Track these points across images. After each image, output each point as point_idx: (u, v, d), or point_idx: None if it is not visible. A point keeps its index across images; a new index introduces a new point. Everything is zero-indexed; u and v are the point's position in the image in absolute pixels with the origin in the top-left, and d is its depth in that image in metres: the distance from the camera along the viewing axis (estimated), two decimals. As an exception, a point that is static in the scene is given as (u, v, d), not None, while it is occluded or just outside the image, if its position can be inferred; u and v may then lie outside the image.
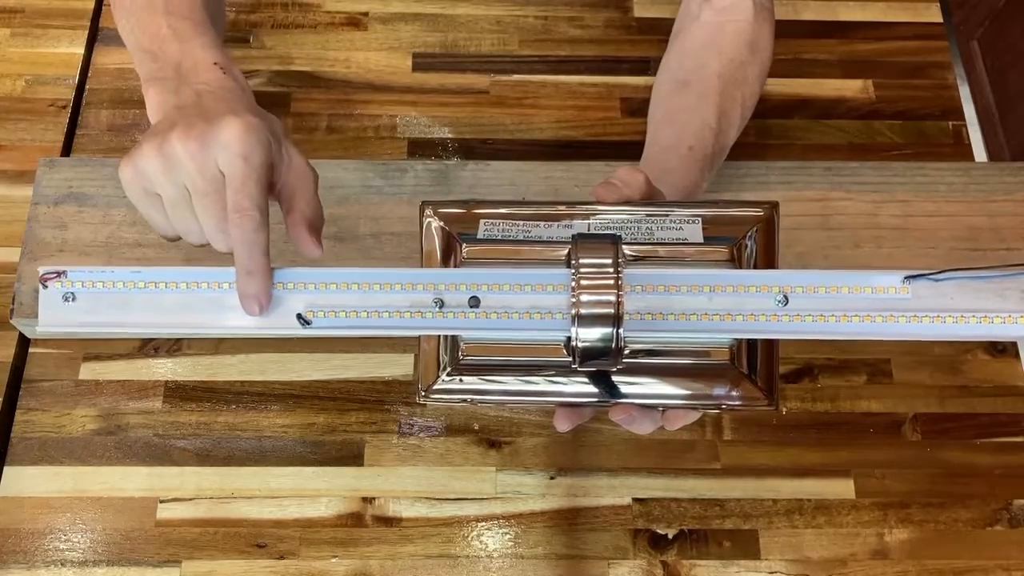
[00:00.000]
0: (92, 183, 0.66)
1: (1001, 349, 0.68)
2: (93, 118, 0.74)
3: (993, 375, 0.67)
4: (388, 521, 0.61)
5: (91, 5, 0.79)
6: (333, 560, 0.60)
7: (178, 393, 0.64)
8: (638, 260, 0.45)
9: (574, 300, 0.41)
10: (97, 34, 0.78)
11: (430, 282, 0.43)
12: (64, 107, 0.74)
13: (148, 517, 0.61)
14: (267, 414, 0.64)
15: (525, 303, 0.43)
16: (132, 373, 0.65)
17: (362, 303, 0.43)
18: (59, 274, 0.44)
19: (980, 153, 0.76)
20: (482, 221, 0.46)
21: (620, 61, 0.79)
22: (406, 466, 0.63)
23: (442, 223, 0.46)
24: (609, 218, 0.46)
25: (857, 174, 0.68)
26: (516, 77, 0.78)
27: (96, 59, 0.77)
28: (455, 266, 0.46)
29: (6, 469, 0.62)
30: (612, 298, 0.41)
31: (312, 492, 0.62)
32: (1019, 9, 1.37)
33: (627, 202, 0.46)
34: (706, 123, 0.58)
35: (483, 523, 0.61)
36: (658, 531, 0.61)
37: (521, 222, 0.46)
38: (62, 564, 0.59)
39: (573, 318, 0.41)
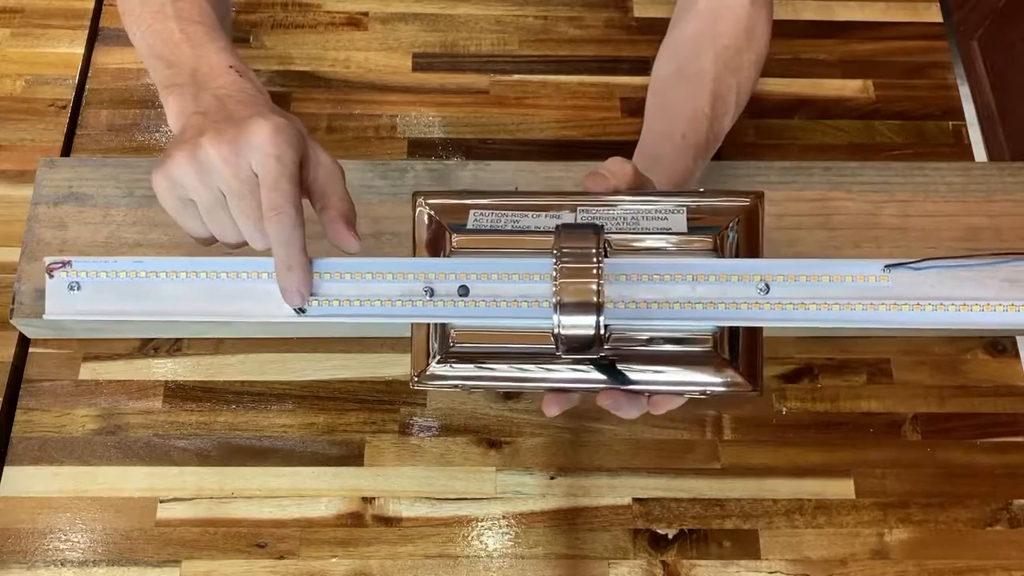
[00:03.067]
0: (92, 183, 0.66)
1: (1001, 349, 0.68)
2: (93, 118, 0.74)
3: (993, 375, 0.67)
4: (388, 521, 0.61)
5: (91, 5, 0.79)
6: (333, 560, 0.60)
7: (178, 393, 0.64)
8: (622, 250, 0.45)
9: (556, 288, 0.42)
10: (97, 34, 0.78)
11: (421, 271, 0.44)
12: (64, 107, 0.74)
13: (148, 517, 0.61)
14: (267, 414, 0.64)
15: (513, 292, 0.44)
16: (132, 373, 0.65)
17: (355, 292, 0.44)
18: (64, 264, 0.45)
19: (980, 153, 0.76)
20: (472, 212, 0.47)
21: (620, 61, 0.79)
22: (406, 466, 0.63)
23: (433, 213, 0.47)
24: (596, 208, 0.46)
25: (857, 174, 0.68)
26: (516, 77, 0.78)
27: (96, 59, 0.77)
28: (446, 255, 0.47)
29: (6, 469, 0.62)
30: (593, 287, 0.41)
31: (312, 492, 0.62)
32: (1019, 9, 1.37)
33: (615, 192, 0.47)
34: (700, 110, 0.58)
35: (483, 523, 0.61)
36: (658, 531, 0.61)
37: (510, 212, 0.47)
38: (62, 564, 0.59)
39: (555, 306, 0.42)
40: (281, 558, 0.60)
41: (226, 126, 0.43)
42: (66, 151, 0.73)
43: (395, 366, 0.66)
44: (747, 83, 0.61)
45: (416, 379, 0.47)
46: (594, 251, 0.42)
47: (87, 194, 0.66)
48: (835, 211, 0.67)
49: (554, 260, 0.42)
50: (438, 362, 0.46)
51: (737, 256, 0.46)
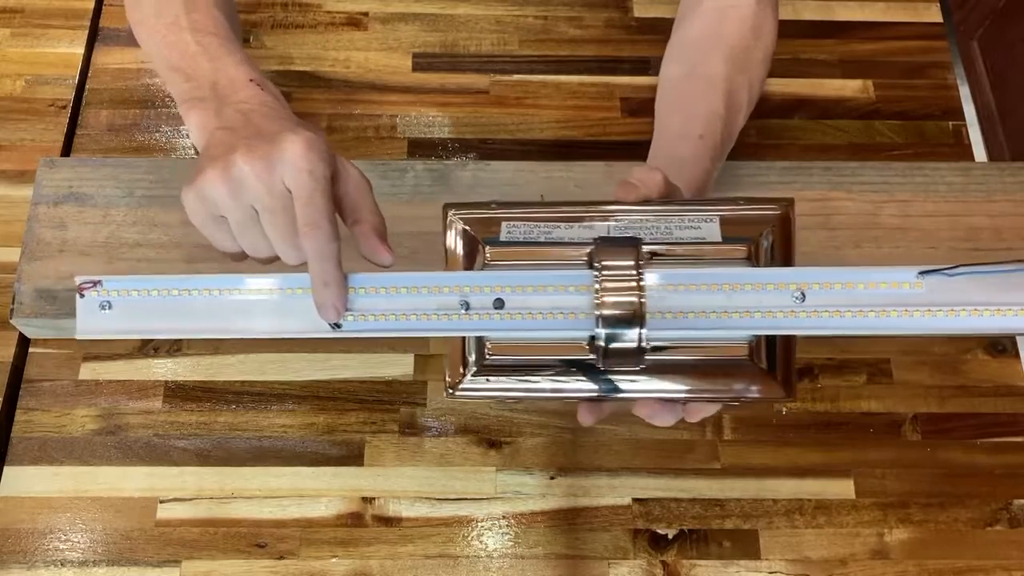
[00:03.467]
0: (92, 183, 0.66)
1: (1001, 349, 0.68)
2: (93, 118, 0.74)
3: (993, 375, 0.67)
4: (388, 521, 0.61)
5: (91, 5, 0.79)
6: (333, 560, 0.60)
7: (178, 393, 0.64)
8: (658, 260, 0.46)
9: (598, 302, 0.42)
10: (97, 34, 0.78)
11: (456, 284, 0.44)
12: (64, 107, 0.74)
13: (148, 517, 0.61)
14: (267, 414, 0.64)
15: (548, 304, 0.44)
16: (132, 373, 0.65)
17: (390, 306, 0.44)
18: (95, 283, 0.45)
19: (980, 153, 0.76)
20: (504, 223, 0.47)
21: (620, 61, 0.80)
22: (406, 466, 0.63)
23: (465, 225, 0.47)
24: (628, 218, 0.46)
25: (857, 174, 0.68)
26: (516, 77, 0.78)
27: (96, 59, 0.77)
28: (479, 268, 0.47)
29: (6, 469, 0.62)
30: (635, 300, 0.42)
31: (312, 492, 0.62)
32: (1019, 9, 1.37)
33: (646, 201, 0.47)
34: (715, 111, 0.58)
35: (483, 523, 0.61)
36: (658, 531, 0.62)
37: (542, 224, 0.47)
38: (62, 564, 0.59)
39: (597, 319, 0.42)
40: (281, 558, 0.60)
41: (257, 142, 0.43)
42: (66, 151, 0.73)
43: (395, 366, 0.66)
44: (757, 82, 0.61)
45: (451, 391, 0.47)
46: (635, 263, 0.42)
47: (87, 194, 0.66)
48: (835, 211, 0.67)
49: (595, 273, 0.42)
50: (474, 374, 0.47)
51: (772, 264, 0.46)
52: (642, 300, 0.42)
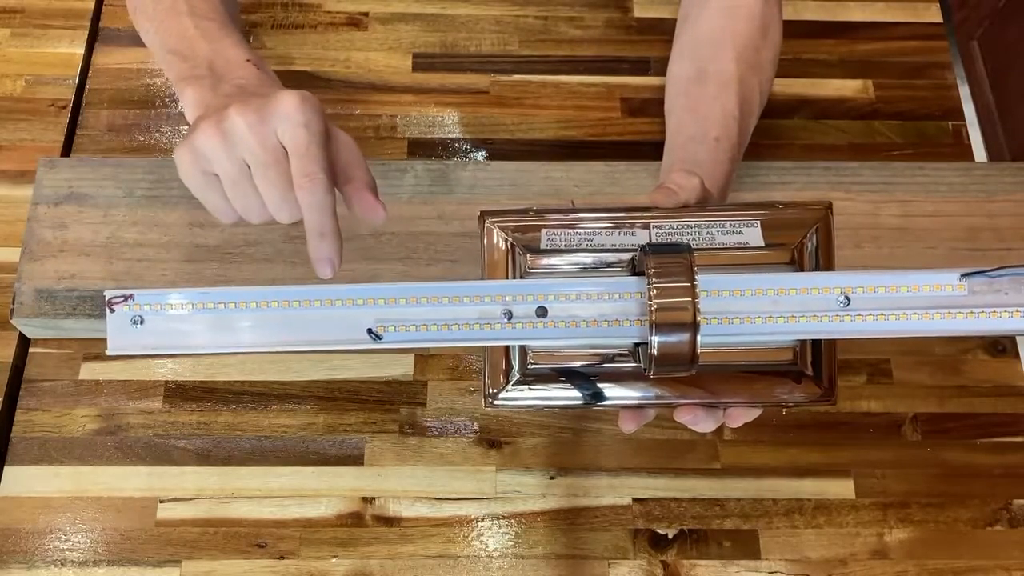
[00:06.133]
0: (92, 183, 0.66)
1: (1001, 349, 0.68)
2: (93, 118, 0.74)
3: (993, 375, 0.67)
4: (388, 521, 0.61)
5: (91, 5, 0.79)
6: (333, 560, 0.60)
7: (178, 393, 0.64)
8: (703, 265, 0.45)
9: (652, 308, 0.41)
10: (97, 34, 0.78)
11: (498, 293, 0.44)
12: (64, 107, 0.74)
13: (148, 517, 0.61)
14: (267, 414, 0.64)
15: (593, 311, 0.44)
16: (132, 373, 0.65)
17: (431, 316, 0.44)
18: (126, 297, 0.44)
19: (980, 153, 0.76)
20: (544, 230, 0.47)
21: (620, 61, 0.80)
22: (406, 466, 0.63)
23: (504, 233, 0.47)
24: (669, 223, 0.47)
25: (857, 174, 0.68)
26: (516, 77, 0.78)
27: (96, 59, 0.77)
28: (519, 276, 0.47)
29: (6, 469, 0.62)
30: (689, 306, 0.41)
31: (312, 492, 0.62)
32: (1019, 9, 1.37)
33: (684, 206, 0.47)
34: (729, 112, 0.58)
35: (483, 523, 0.61)
36: (658, 531, 0.62)
37: (583, 230, 0.47)
38: (62, 564, 0.59)
39: (650, 326, 0.42)
40: (281, 558, 0.60)
41: (252, 98, 0.43)
42: (66, 151, 0.73)
43: (395, 366, 0.66)
44: (767, 82, 0.61)
45: (491, 400, 0.47)
46: (689, 270, 0.42)
47: (87, 194, 0.66)
48: (835, 211, 0.66)
49: (648, 279, 0.42)
50: (515, 383, 0.46)
51: (816, 268, 0.46)
52: (697, 306, 0.41)
